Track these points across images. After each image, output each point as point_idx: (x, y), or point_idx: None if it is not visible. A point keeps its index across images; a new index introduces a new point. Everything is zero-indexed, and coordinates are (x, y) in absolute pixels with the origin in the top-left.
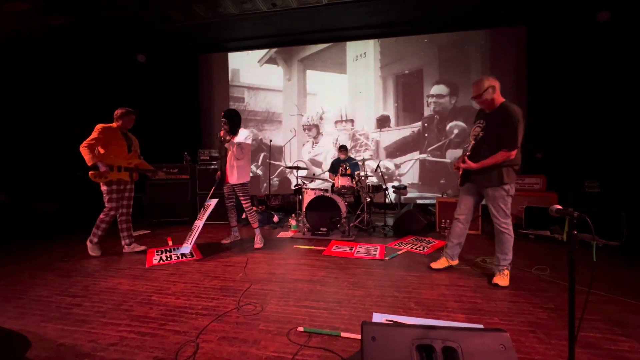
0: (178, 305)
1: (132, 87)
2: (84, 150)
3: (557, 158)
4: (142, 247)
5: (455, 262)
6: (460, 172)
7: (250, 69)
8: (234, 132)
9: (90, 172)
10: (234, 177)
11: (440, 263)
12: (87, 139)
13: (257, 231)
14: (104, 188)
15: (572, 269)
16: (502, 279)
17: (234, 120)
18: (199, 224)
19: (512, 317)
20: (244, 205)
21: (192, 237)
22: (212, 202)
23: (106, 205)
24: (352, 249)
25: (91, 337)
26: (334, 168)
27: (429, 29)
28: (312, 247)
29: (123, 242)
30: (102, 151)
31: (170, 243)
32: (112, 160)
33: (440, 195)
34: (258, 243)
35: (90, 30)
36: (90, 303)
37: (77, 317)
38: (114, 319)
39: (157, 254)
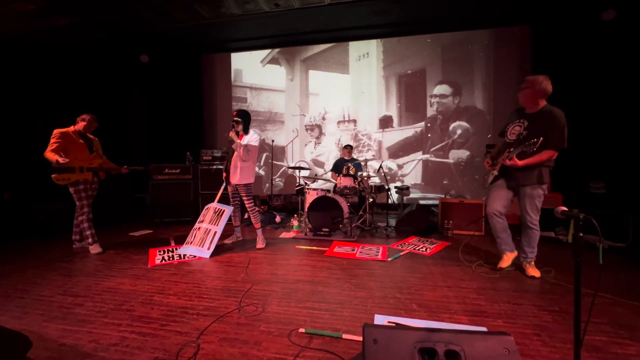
0: (179, 306)
1: (135, 87)
2: (48, 155)
3: (562, 158)
4: (98, 250)
5: (515, 253)
6: (497, 170)
7: (252, 69)
8: (245, 131)
9: (53, 176)
10: (236, 177)
11: (505, 261)
12: (49, 146)
13: (259, 232)
14: (71, 189)
15: (578, 272)
16: (535, 270)
17: (247, 120)
18: (214, 229)
19: (516, 320)
20: (247, 206)
21: (211, 242)
22: (227, 209)
23: (77, 204)
24: (354, 250)
25: (92, 337)
26: (337, 168)
27: (431, 28)
28: (314, 248)
29: (73, 237)
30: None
31: (172, 243)
32: (74, 163)
33: (443, 196)
34: (260, 243)
35: (94, 31)
36: (92, 303)
37: (78, 317)
38: (116, 319)
39: (160, 254)
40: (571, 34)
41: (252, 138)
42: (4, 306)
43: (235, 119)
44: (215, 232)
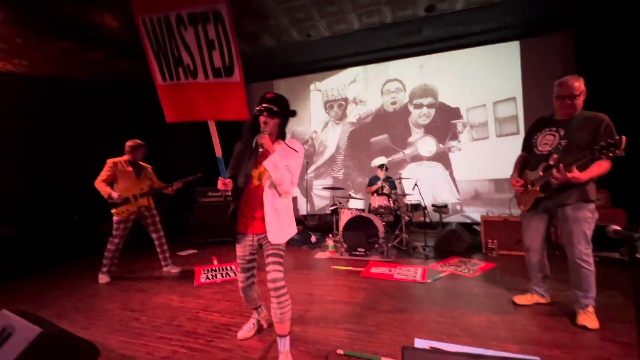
0: (223, 323)
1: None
2: (98, 186)
3: (622, 170)
4: (177, 269)
5: (546, 299)
6: (538, 188)
7: (290, 95)
8: (282, 136)
9: (112, 210)
10: (275, 233)
11: (526, 299)
12: (99, 175)
13: (286, 343)
14: (114, 219)
15: (638, 297)
16: (590, 319)
17: (286, 113)
18: None
19: (575, 351)
20: (275, 277)
21: None
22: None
23: (113, 232)
24: (391, 271)
25: (148, 349)
26: (372, 184)
27: (464, 43)
28: (350, 268)
29: (162, 263)
30: (116, 186)
31: (215, 262)
32: (127, 192)
33: (485, 214)
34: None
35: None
36: (146, 317)
37: (135, 330)
38: (167, 333)
39: (204, 273)
40: (621, 36)
41: (295, 148)
42: (74, 317)
43: (265, 106)
44: None
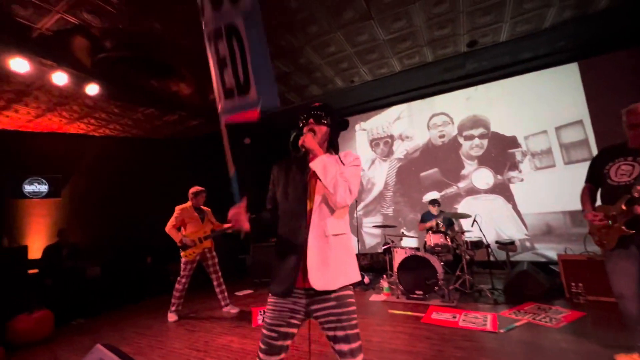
0: None
1: (241, 164)
2: (170, 232)
3: None
4: (236, 310)
5: None
6: (622, 225)
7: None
8: (333, 148)
9: (182, 253)
10: (327, 274)
11: (632, 358)
12: (169, 222)
13: None
14: (183, 260)
15: None
16: None
17: (335, 124)
18: None
19: None
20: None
21: None
22: None
23: (181, 273)
24: (455, 317)
25: None
26: (424, 221)
27: (513, 72)
28: (409, 313)
29: (222, 303)
30: (184, 230)
31: None
32: (194, 235)
33: (563, 252)
34: None
35: (214, 125)
36: (210, 358)
37: None
38: None
39: (261, 314)
40: None
41: (350, 159)
42: (150, 355)
43: (313, 113)
44: None
